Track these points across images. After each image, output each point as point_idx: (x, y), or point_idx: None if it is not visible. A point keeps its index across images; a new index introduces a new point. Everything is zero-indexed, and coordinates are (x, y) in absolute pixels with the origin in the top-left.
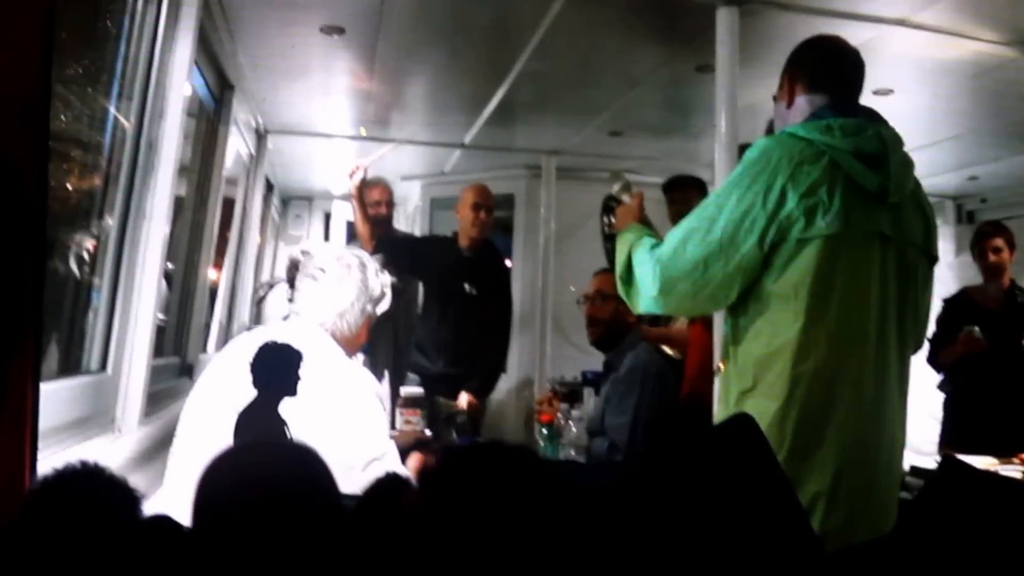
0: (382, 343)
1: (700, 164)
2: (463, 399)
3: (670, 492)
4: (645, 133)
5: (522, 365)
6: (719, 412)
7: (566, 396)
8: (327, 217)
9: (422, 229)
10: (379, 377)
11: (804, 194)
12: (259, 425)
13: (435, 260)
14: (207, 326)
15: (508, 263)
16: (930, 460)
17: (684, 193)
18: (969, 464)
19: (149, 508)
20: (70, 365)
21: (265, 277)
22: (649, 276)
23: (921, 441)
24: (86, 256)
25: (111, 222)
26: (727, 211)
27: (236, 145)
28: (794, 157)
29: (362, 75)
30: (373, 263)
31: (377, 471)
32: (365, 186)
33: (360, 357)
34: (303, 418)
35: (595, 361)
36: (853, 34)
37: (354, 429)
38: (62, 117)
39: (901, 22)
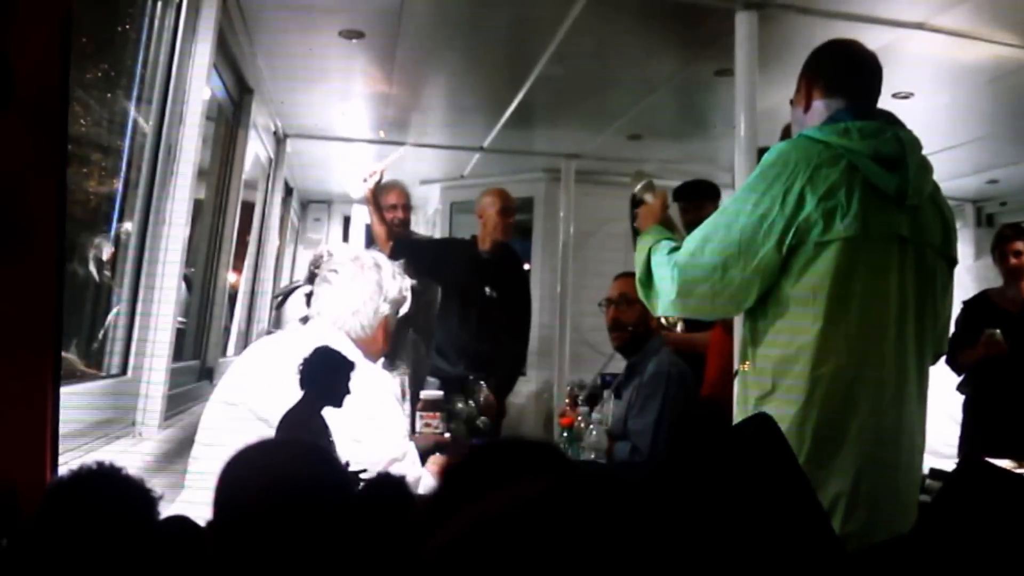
0: (401, 346)
1: (719, 168)
2: (482, 393)
3: (691, 491)
4: (664, 137)
5: (541, 368)
6: (737, 416)
7: (586, 400)
8: (346, 220)
9: (442, 233)
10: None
11: (823, 197)
12: (302, 427)
13: (455, 263)
14: (227, 329)
15: (526, 266)
16: (950, 463)
17: (694, 203)
18: (991, 462)
19: (170, 511)
20: (91, 368)
21: (284, 280)
22: (668, 279)
23: (941, 444)
24: (106, 260)
25: (131, 226)
26: (745, 215)
27: (255, 149)
28: (812, 160)
29: (381, 79)
30: (391, 265)
31: (397, 472)
32: (381, 190)
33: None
34: None
35: (614, 364)
36: (873, 38)
37: (373, 430)
38: (82, 122)
39: (920, 25)
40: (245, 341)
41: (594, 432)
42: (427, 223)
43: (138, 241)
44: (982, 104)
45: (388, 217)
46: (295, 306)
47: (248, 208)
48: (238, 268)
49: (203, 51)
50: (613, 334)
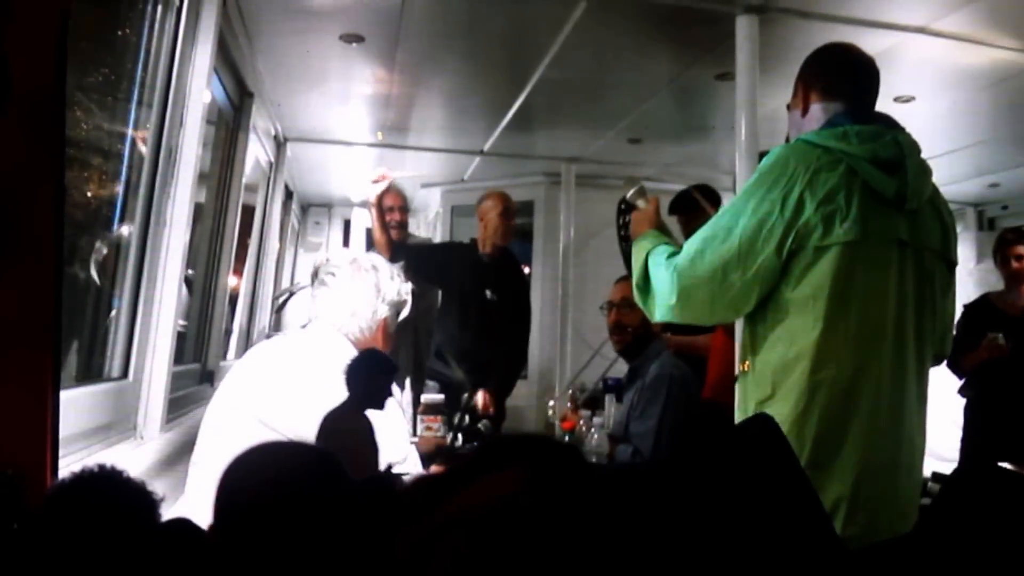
0: (402, 350)
1: (720, 171)
2: (480, 398)
3: (692, 491)
4: (664, 140)
5: (542, 371)
6: (738, 420)
7: (587, 403)
8: (346, 224)
9: (443, 236)
10: (400, 384)
11: (822, 201)
12: (346, 430)
13: (455, 266)
14: (227, 333)
15: (527, 270)
16: (951, 467)
17: (687, 216)
18: (993, 462)
19: (171, 514)
20: (92, 372)
21: (285, 284)
22: (666, 284)
23: (942, 447)
24: (107, 263)
25: (131, 229)
26: (744, 219)
27: (255, 152)
28: (811, 164)
29: (381, 83)
30: (389, 267)
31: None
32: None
33: None
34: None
35: (615, 367)
36: (873, 42)
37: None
38: (83, 125)
39: (921, 29)
40: (246, 344)
41: (595, 435)
42: (428, 226)
43: (139, 244)
44: (983, 108)
45: (386, 219)
46: (295, 309)
47: (248, 211)
48: (238, 271)
49: (203, 55)
50: (614, 337)
